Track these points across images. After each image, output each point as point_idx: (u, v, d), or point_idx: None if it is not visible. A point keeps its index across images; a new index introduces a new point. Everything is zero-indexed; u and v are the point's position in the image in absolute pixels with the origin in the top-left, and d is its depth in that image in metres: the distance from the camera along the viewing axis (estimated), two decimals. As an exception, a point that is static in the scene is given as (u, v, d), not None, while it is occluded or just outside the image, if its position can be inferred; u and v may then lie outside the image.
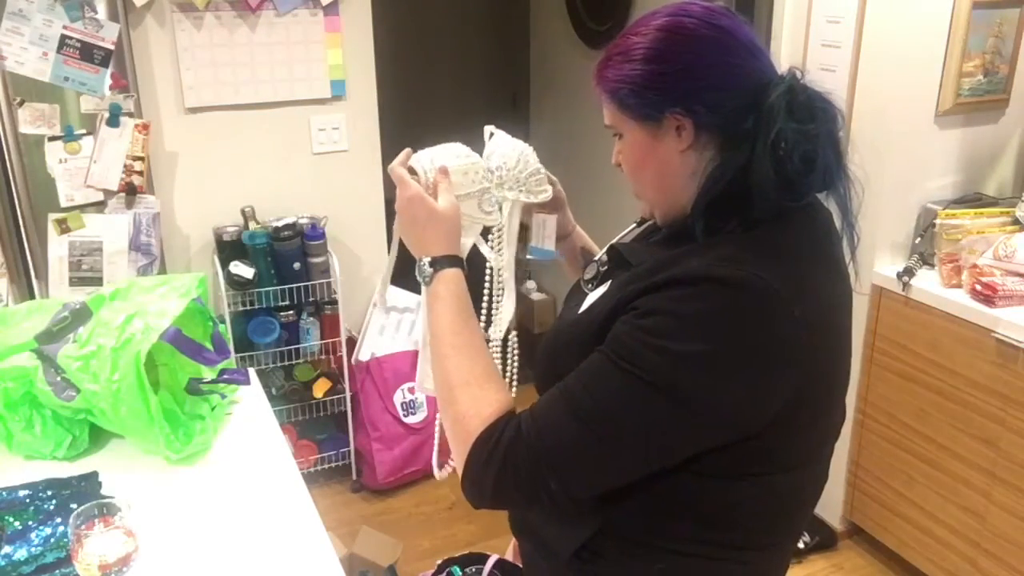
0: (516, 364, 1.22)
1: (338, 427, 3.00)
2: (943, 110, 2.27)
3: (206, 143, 2.63)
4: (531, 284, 4.23)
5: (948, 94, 2.25)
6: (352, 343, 2.89)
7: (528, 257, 1.32)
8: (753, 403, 0.90)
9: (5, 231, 2.35)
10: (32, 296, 2.42)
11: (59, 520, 1.20)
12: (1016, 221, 2.24)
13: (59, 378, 1.37)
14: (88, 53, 2.31)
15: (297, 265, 2.67)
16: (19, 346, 1.42)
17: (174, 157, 2.61)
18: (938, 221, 2.25)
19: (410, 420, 2.91)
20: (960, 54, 2.22)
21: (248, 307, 2.68)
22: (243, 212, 2.68)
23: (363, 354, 2.85)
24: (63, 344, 1.39)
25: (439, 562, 1.36)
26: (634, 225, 1.22)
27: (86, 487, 1.30)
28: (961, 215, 2.25)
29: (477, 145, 1.21)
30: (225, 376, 1.57)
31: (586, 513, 1.01)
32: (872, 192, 2.16)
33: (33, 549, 1.15)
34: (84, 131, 2.36)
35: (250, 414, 1.58)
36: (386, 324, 2.89)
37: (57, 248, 2.40)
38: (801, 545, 2.55)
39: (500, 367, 1.12)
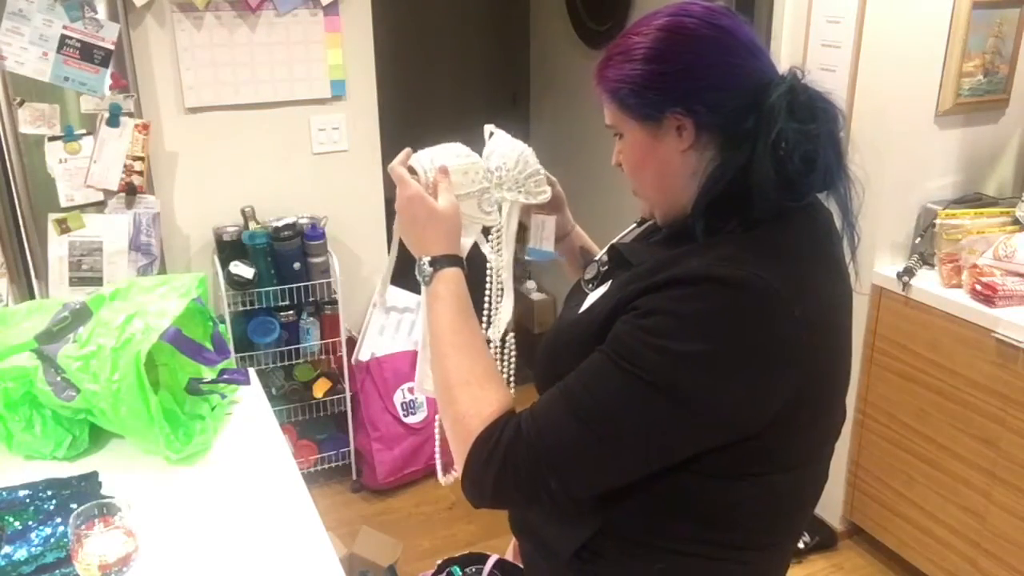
0: (513, 365, 1.22)
1: (338, 427, 3.00)
2: (943, 110, 2.27)
3: (206, 143, 2.63)
4: (531, 284, 4.23)
5: (948, 94, 2.25)
6: (352, 343, 2.89)
7: (527, 258, 1.31)
8: (753, 403, 0.90)
9: (5, 231, 2.35)
10: (32, 296, 2.42)
11: (59, 520, 1.20)
12: (1016, 221, 2.24)
13: (59, 378, 1.37)
14: (88, 53, 2.31)
15: (297, 265, 2.67)
16: (19, 346, 1.42)
17: (174, 157, 2.61)
18: (938, 221, 2.25)
19: (410, 420, 2.91)
20: (960, 54, 2.22)
21: (248, 307, 2.68)
22: (243, 212, 2.68)
23: (363, 354, 2.85)
24: (63, 344, 1.39)
25: (439, 562, 1.36)
26: (634, 225, 1.22)
27: (86, 487, 1.30)
28: (961, 215, 2.25)
29: (477, 145, 1.21)
30: (225, 376, 1.57)
31: (586, 513, 1.01)
32: (872, 192, 2.16)
33: (33, 549, 1.15)
34: (84, 131, 2.36)
35: (250, 414, 1.58)
36: (386, 324, 2.89)
37: (57, 248, 2.40)
38: (801, 545, 2.55)
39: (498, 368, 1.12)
